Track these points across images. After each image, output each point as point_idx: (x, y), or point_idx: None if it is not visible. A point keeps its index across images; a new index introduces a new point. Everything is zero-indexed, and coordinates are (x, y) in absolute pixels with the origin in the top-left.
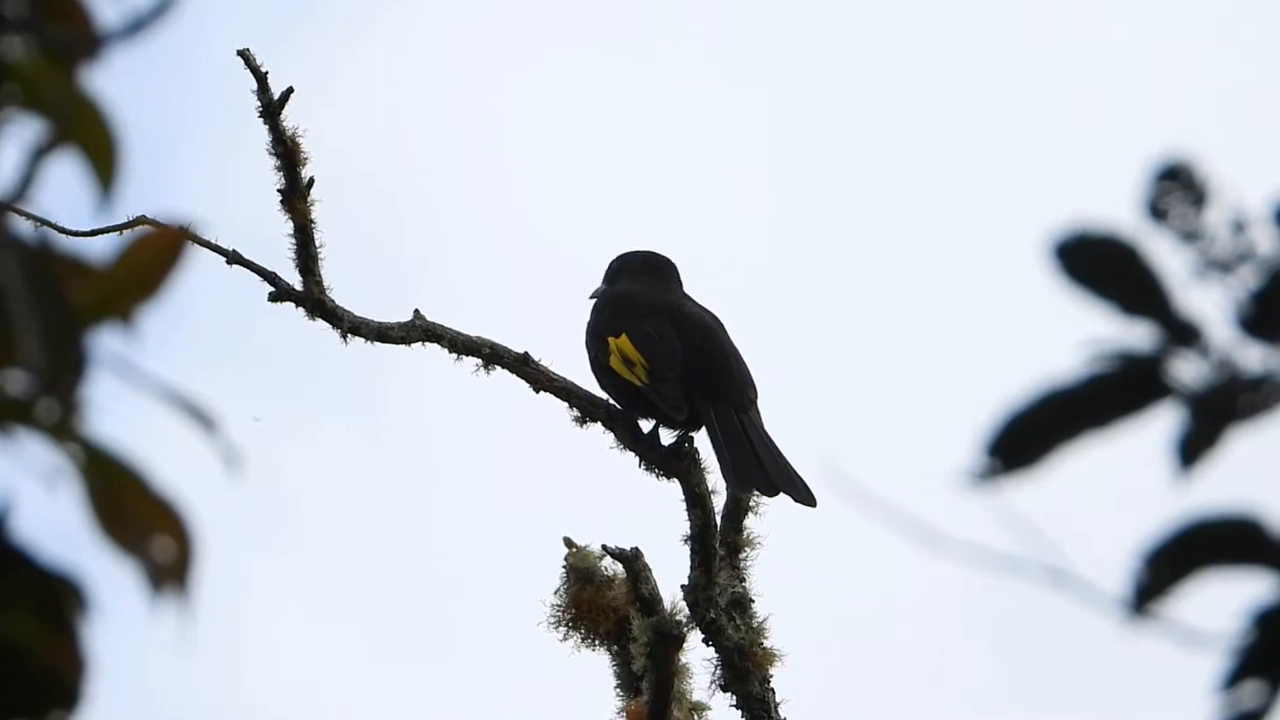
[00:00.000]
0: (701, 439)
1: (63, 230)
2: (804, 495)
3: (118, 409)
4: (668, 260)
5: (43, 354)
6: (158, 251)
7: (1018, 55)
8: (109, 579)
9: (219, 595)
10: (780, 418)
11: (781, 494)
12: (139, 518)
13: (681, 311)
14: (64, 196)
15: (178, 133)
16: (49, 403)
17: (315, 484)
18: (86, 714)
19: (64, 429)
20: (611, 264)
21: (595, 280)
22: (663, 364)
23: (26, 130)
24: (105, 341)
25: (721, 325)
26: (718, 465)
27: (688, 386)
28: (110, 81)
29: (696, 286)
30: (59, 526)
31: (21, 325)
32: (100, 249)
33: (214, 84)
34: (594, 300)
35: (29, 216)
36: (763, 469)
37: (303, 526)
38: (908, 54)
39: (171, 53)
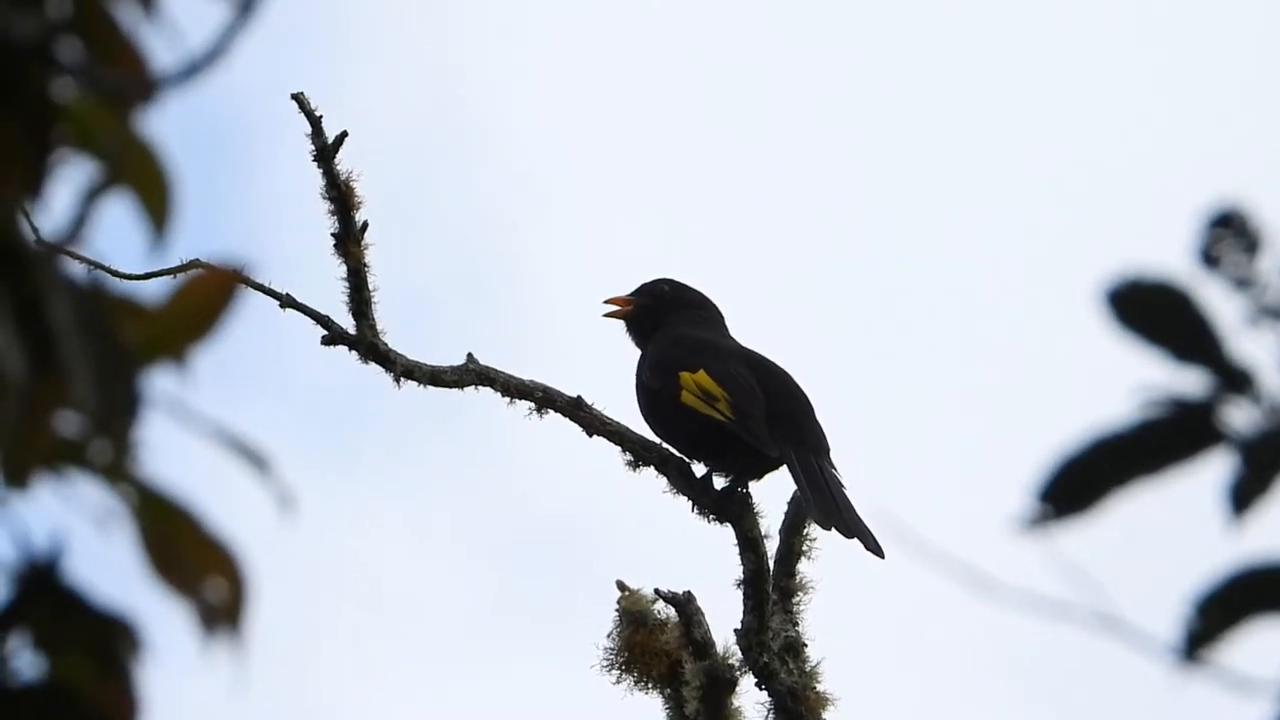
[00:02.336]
0: (754, 486)
1: (115, 273)
2: (873, 545)
3: (171, 450)
4: (715, 305)
5: (96, 395)
6: (211, 292)
7: (1075, 100)
8: (162, 621)
9: (271, 638)
10: (834, 462)
11: (855, 539)
12: (192, 559)
13: (757, 357)
14: (117, 239)
15: (231, 175)
16: (102, 444)
17: (368, 531)
18: None
19: (117, 470)
20: (659, 286)
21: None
22: (747, 401)
23: (80, 172)
24: (158, 382)
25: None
26: (801, 500)
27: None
28: (163, 123)
29: (745, 331)
30: (112, 568)
31: (74, 366)
32: (154, 292)
33: (269, 126)
34: (632, 312)
35: (82, 259)
36: (840, 512)
37: (356, 571)
38: (962, 93)
39: (226, 93)
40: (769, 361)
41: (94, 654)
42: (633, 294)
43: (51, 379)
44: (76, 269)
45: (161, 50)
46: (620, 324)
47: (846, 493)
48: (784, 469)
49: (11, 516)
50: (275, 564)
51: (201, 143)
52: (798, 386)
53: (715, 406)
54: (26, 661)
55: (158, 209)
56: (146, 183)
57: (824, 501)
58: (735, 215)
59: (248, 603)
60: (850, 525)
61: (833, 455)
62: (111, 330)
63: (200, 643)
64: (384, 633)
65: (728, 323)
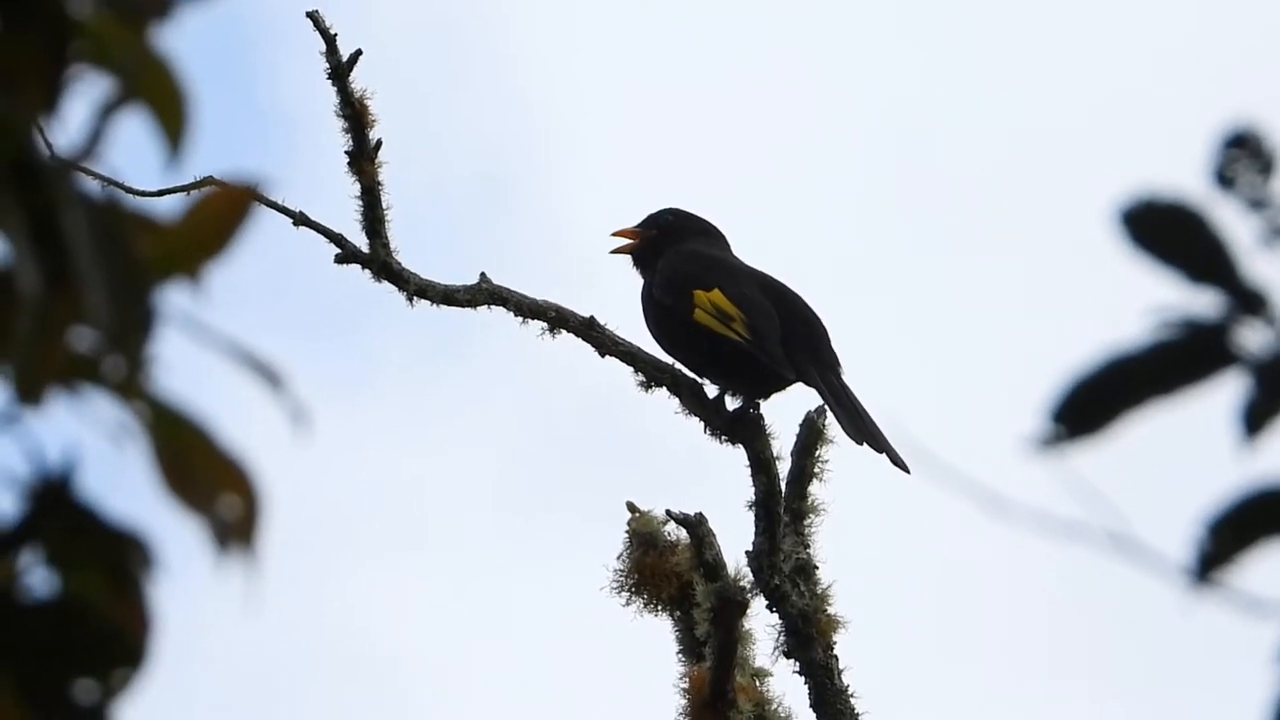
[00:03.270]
0: (766, 406)
1: (129, 190)
2: (899, 460)
3: (185, 367)
4: (721, 233)
5: (110, 311)
6: (225, 208)
7: (1085, 23)
8: (175, 537)
9: (283, 555)
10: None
11: (884, 454)
12: (206, 476)
13: (769, 280)
14: (133, 155)
15: (244, 92)
16: (116, 360)
17: (378, 444)
18: (152, 672)
19: (131, 386)
20: (664, 216)
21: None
22: (764, 322)
23: (95, 88)
24: (172, 299)
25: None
26: (833, 415)
27: (786, 352)
28: (179, 39)
29: (756, 250)
30: (126, 485)
31: (89, 282)
32: (168, 209)
33: (283, 42)
34: (639, 245)
35: (96, 176)
36: (869, 427)
37: (370, 495)
38: (972, 21)
39: (240, 10)
40: (781, 284)
41: (107, 570)
42: (639, 225)
43: (66, 295)
44: (91, 185)
45: None
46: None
47: (868, 409)
48: (799, 388)
49: (25, 432)
50: (289, 481)
51: (216, 60)
52: (810, 309)
53: (731, 326)
54: (39, 577)
55: (174, 125)
56: (162, 99)
57: (854, 417)
58: (744, 130)
59: (261, 519)
60: (880, 440)
61: (845, 376)
62: (126, 246)
63: (214, 559)
64: (394, 551)
65: (734, 249)
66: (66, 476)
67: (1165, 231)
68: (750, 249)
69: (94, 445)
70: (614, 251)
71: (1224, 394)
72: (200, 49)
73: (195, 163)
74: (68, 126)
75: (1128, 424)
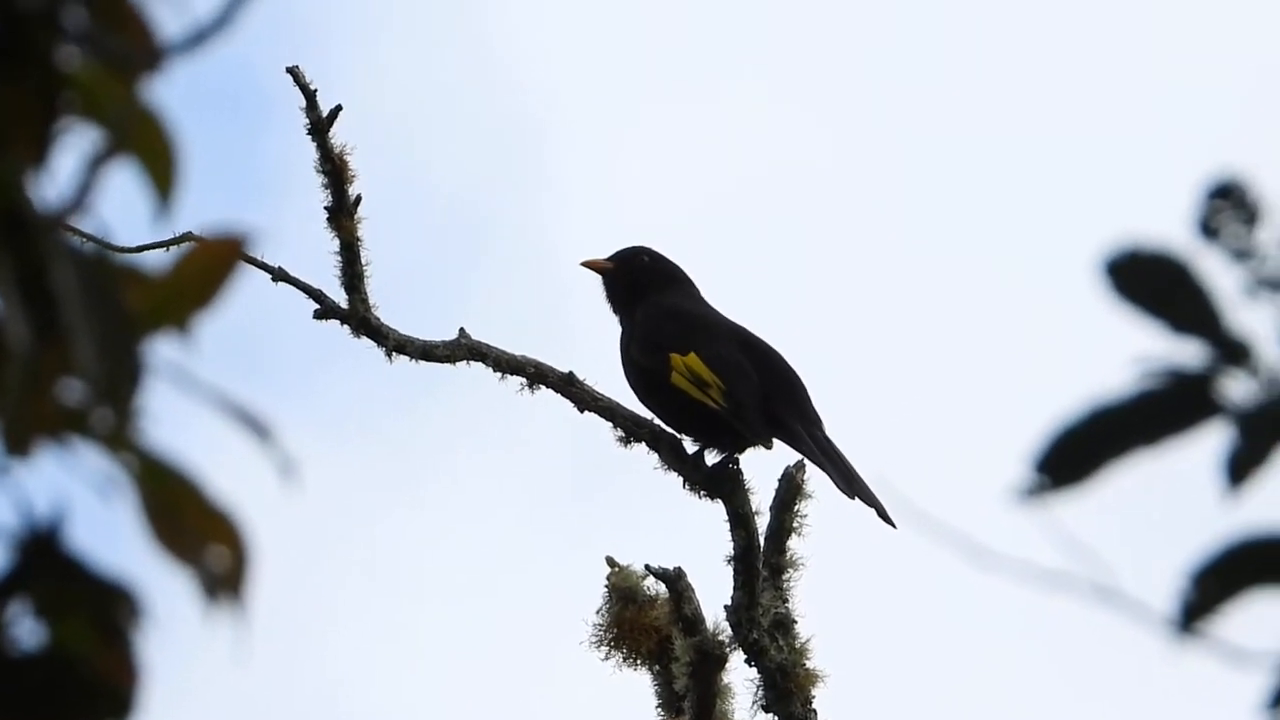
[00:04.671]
0: (745, 461)
1: (111, 247)
2: (886, 515)
3: (173, 419)
4: (691, 280)
5: (98, 363)
6: (213, 261)
7: (1074, 71)
8: (164, 589)
9: (273, 605)
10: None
11: (872, 509)
12: (194, 527)
13: (748, 335)
14: (121, 207)
15: (226, 146)
16: (104, 412)
17: (360, 499)
18: None
19: (119, 438)
20: (640, 256)
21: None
22: (742, 389)
23: (85, 140)
24: (161, 351)
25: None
26: (818, 473)
27: (767, 411)
28: (168, 92)
29: (732, 296)
30: (114, 537)
31: (78, 334)
32: (152, 263)
33: (265, 98)
34: (611, 272)
35: (78, 233)
36: (857, 481)
37: (346, 543)
38: (960, 62)
39: (226, 65)
40: (761, 340)
41: (95, 622)
42: (610, 259)
43: (55, 347)
44: (75, 242)
45: (167, 19)
46: (601, 290)
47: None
48: (779, 446)
49: (13, 484)
50: (277, 533)
51: (201, 114)
52: (789, 365)
53: (707, 393)
54: (27, 630)
55: (163, 177)
56: (151, 151)
57: (843, 471)
58: (719, 177)
59: (250, 571)
60: (869, 495)
61: (827, 430)
62: (115, 298)
63: (202, 611)
64: (380, 605)
65: (705, 296)
66: (55, 528)
67: (1149, 282)
68: (728, 299)
69: (82, 497)
70: (583, 264)
71: (1208, 444)
72: (185, 102)
73: (178, 217)
74: (57, 178)
75: (1112, 474)
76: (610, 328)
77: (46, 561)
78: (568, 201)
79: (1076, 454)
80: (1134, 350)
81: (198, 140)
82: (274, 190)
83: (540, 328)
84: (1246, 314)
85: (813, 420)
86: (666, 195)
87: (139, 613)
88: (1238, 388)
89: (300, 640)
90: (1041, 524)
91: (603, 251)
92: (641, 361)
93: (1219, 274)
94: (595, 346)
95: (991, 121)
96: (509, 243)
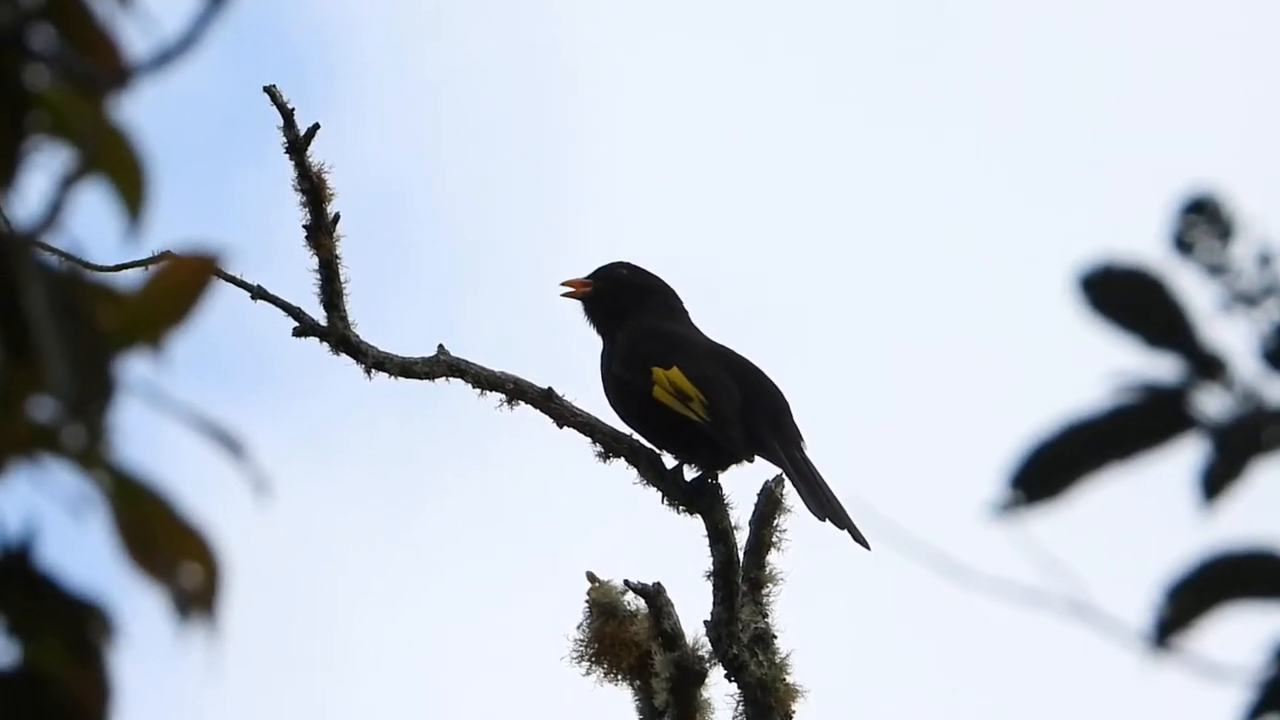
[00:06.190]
0: (724, 477)
1: (86, 265)
2: (859, 536)
3: (145, 436)
4: (674, 292)
5: (70, 381)
6: (186, 278)
7: (1048, 87)
8: (136, 607)
9: (247, 623)
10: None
11: (845, 531)
12: (166, 545)
13: (729, 354)
14: (92, 226)
15: (205, 164)
16: (76, 429)
17: (339, 515)
18: None
19: (91, 456)
20: (617, 270)
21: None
22: (724, 404)
23: (54, 160)
24: (133, 368)
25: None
26: (798, 492)
27: (748, 428)
28: (137, 111)
29: (714, 316)
30: (86, 554)
31: (49, 352)
32: (126, 282)
33: (242, 116)
34: (590, 294)
35: (53, 251)
36: (831, 503)
37: (323, 560)
38: (934, 78)
39: (200, 82)
40: (743, 359)
41: (67, 640)
42: (589, 277)
43: (26, 365)
44: (49, 260)
45: (135, 38)
46: (580, 308)
47: (830, 485)
48: (760, 461)
49: None
50: (251, 550)
51: (173, 133)
52: (771, 382)
53: (689, 406)
54: None
55: (133, 196)
56: (121, 170)
57: (816, 493)
58: (697, 197)
59: (223, 589)
60: (841, 517)
61: (807, 449)
62: (86, 316)
63: (175, 629)
64: (358, 621)
65: (688, 308)
66: (27, 546)
67: (1124, 297)
68: (706, 310)
69: (54, 514)
70: (564, 295)
71: (1183, 459)
72: (157, 121)
73: (154, 236)
74: (27, 198)
75: (1086, 489)
76: (590, 344)
77: (18, 580)
78: (547, 217)
79: (1051, 469)
80: (1109, 365)
81: (177, 158)
82: (254, 208)
83: (520, 344)
84: (1221, 329)
85: (792, 438)
86: (644, 211)
87: (111, 631)
88: (1212, 402)
89: (276, 658)
90: (1017, 540)
91: (582, 269)
92: (623, 376)
93: (1193, 289)
94: (574, 364)
95: (966, 136)
96: (488, 259)
